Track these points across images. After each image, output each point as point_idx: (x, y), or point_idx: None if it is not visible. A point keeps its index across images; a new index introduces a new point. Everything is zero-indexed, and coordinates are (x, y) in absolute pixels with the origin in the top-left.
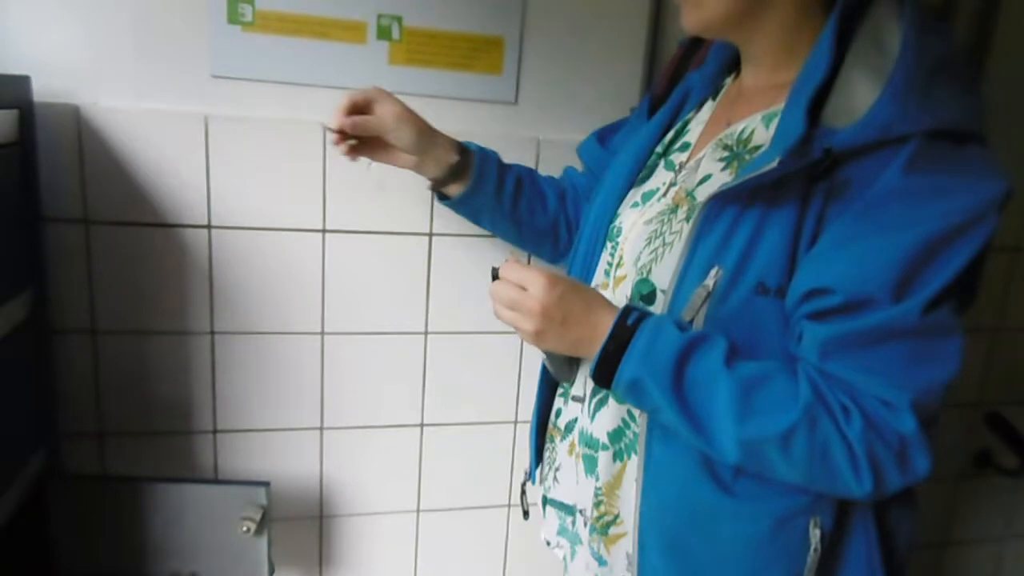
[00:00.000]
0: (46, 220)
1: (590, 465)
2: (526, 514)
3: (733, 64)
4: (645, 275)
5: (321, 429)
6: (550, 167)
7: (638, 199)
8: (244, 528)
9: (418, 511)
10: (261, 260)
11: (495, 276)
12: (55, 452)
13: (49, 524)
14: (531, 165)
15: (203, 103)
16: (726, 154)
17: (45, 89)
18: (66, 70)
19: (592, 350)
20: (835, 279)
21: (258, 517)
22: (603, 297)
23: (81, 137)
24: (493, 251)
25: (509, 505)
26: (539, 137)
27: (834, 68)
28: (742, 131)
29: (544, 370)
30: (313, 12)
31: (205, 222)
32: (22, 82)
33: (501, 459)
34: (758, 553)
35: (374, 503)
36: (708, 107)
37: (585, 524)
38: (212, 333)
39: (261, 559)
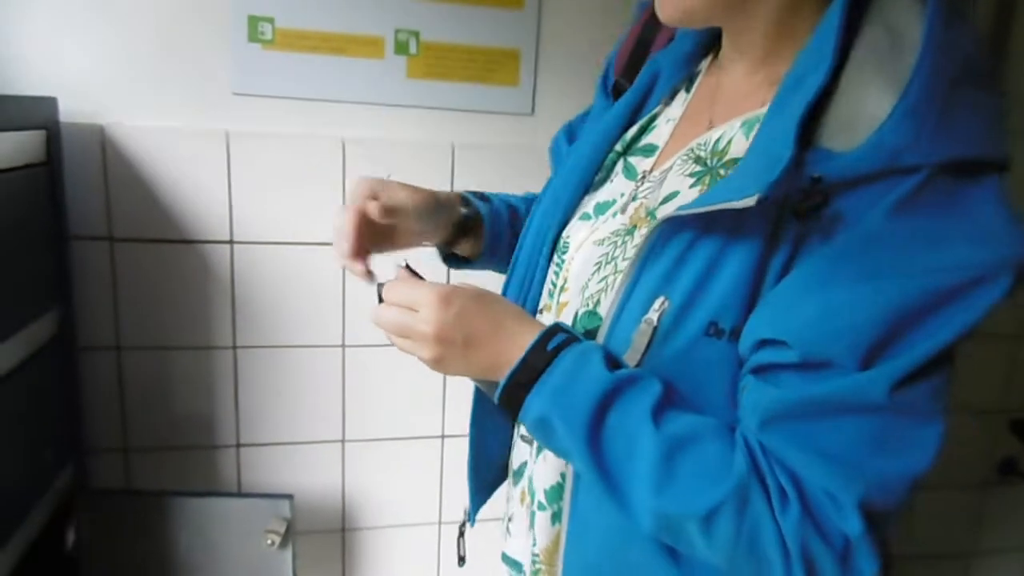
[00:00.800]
0: (72, 239)
1: (532, 521)
2: (461, 560)
3: (710, 42)
4: (592, 307)
5: (343, 442)
6: None
7: (590, 210)
8: (269, 541)
9: (440, 523)
10: (282, 274)
11: (380, 297)
12: (82, 468)
13: (76, 539)
14: (546, 175)
15: (225, 120)
16: (698, 168)
17: (71, 110)
18: (91, 91)
19: (502, 376)
20: (792, 331)
21: (282, 530)
22: (519, 311)
23: (106, 156)
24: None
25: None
26: None
27: (836, 69)
28: (718, 140)
29: (476, 390)
30: (331, 29)
31: (227, 237)
32: (49, 103)
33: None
34: None
35: (396, 516)
36: (680, 101)
37: None
38: (235, 347)
39: (286, 572)
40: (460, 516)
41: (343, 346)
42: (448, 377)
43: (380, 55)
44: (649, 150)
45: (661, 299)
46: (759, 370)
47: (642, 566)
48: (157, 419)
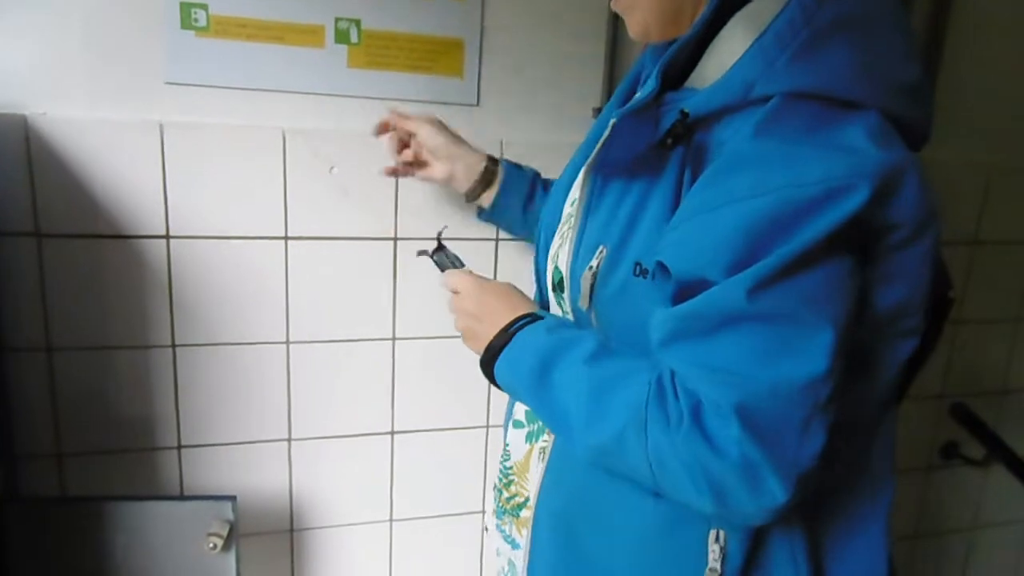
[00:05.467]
0: None
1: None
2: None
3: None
4: (556, 263)
5: (289, 440)
6: None
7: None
8: (210, 545)
9: (391, 521)
10: (222, 270)
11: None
12: (11, 475)
13: (6, 550)
14: None
15: (158, 111)
16: None
17: None
18: (11, 78)
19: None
20: (670, 256)
21: (225, 532)
22: (522, 303)
23: (30, 149)
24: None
25: (483, 512)
26: (502, 139)
27: (712, 32)
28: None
29: None
30: (269, 16)
31: (163, 232)
32: None
33: (474, 465)
34: (646, 552)
35: (346, 514)
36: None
37: (496, 506)
38: (174, 346)
39: (229, 575)
40: (413, 512)
41: (287, 342)
42: (396, 373)
43: (320, 44)
44: None
45: (600, 248)
46: (664, 299)
47: (598, 486)
48: (93, 422)
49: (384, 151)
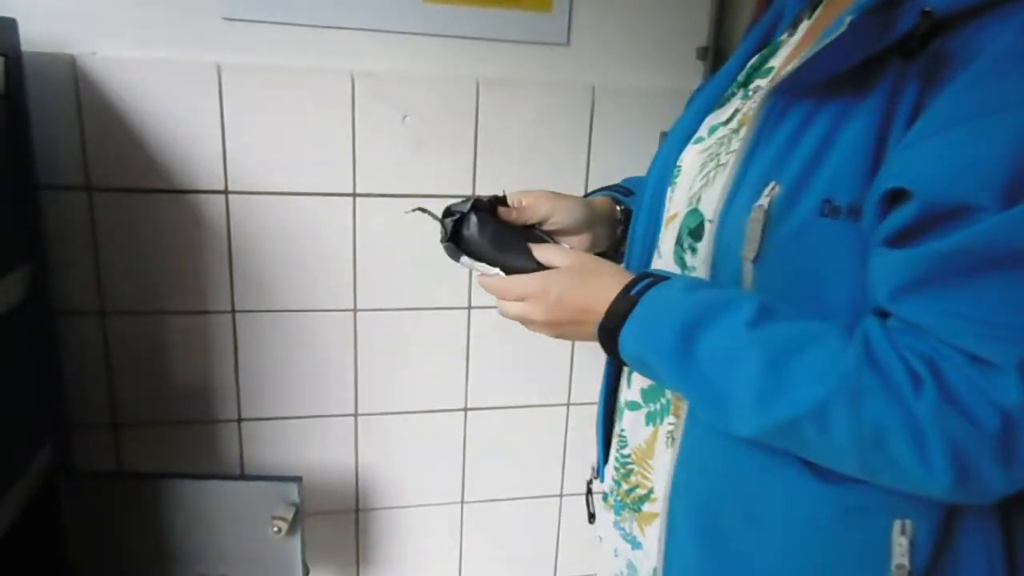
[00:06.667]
0: (43, 188)
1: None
2: (592, 517)
3: None
4: (695, 204)
5: (355, 416)
6: (607, 118)
7: (704, 134)
8: (275, 529)
9: (462, 502)
10: (284, 229)
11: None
12: (65, 446)
13: (60, 525)
14: (585, 115)
15: (215, 50)
16: None
17: (35, 37)
18: (59, 15)
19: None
20: (915, 177)
21: (290, 516)
22: (613, 272)
23: (79, 92)
24: None
25: (561, 495)
26: (594, 84)
27: None
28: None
29: None
30: None
31: (222, 187)
32: (7, 26)
33: (553, 445)
34: (816, 548)
35: (415, 495)
36: (804, 28)
37: (614, 500)
38: (233, 312)
39: (294, 561)
40: (485, 494)
41: (355, 310)
42: (471, 344)
43: None
44: (767, 72)
45: (772, 184)
46: (888, 239)
47: (754, 474)
48: (149, 391)
49: (462, 97)
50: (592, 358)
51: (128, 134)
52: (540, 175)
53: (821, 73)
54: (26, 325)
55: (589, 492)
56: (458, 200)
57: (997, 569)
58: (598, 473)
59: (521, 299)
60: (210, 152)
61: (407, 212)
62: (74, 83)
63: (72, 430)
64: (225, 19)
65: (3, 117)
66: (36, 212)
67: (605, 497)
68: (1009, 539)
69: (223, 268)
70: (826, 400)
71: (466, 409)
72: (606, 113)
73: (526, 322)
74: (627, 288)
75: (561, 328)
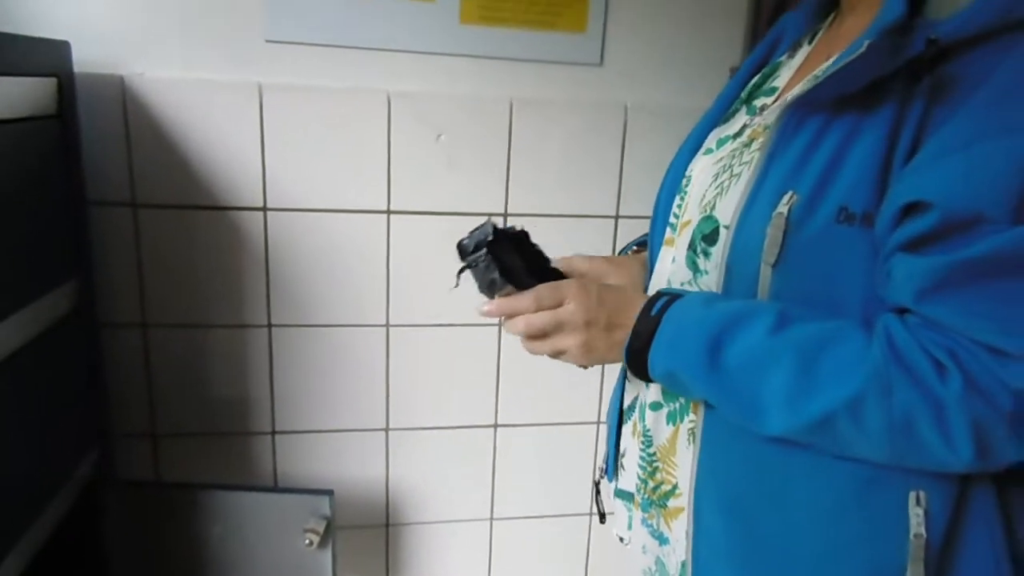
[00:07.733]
0: (91, 203)
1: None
2: (603, 517)
3: (831, 5)
4: (709, 212)
5: (387, 430)
6: (639, 137)
7: (712, 146)
8: (307, 541)
9: (492, 519)
10: (320, 245)
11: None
12: (107, 456)
13: (101, 533)
14: (618, 135)
15: (257, 71)
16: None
17: (86, 58)
18: (109, 37)
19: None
20: (935, 190)
21: (322, 529)
22: (628, 287)
23: (127, 111)
24: (578, 230)
25: (591, 513)
26: (627, 103)
27: None
28: (834, 63)
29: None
30: None
31: (260, 204)
32: (60, 48)
33: (583, 462)
34: (836, 525)
35: (445, 510)
36: (803, 52)
37: (641, 498)
38: (269, 326)
39: (325, 574)
40: (515, 512)
41: (387, 325)
42: (502, 360)
43: None
44: (771, 91)
45: (790, 193)
46: (906, 244)
47: (774, 457)
48: (188, 403)
49: (496, 117)
50: None
51: (172, 152)
52: (572, 194)
53: (837, 91)
54: (72, 337)
55: (598, 492)
56: (474, 229)
57: (998, 540)
58: (607, 472)
59: (559, 303)
60: (250, 170)
61: (451, 289)
62: (122, 102)
63: (113, 439)
64: (268, 41)
65: (56, 136)
66: (84, 227)
67: (628, 495)
68: (1004, 503)
69: (260, 283)
70: (859, 393)
71: (496, 426)
72: (639, 132)
73: (560, 324)
74: (647, 308)
75: (594, 333)
